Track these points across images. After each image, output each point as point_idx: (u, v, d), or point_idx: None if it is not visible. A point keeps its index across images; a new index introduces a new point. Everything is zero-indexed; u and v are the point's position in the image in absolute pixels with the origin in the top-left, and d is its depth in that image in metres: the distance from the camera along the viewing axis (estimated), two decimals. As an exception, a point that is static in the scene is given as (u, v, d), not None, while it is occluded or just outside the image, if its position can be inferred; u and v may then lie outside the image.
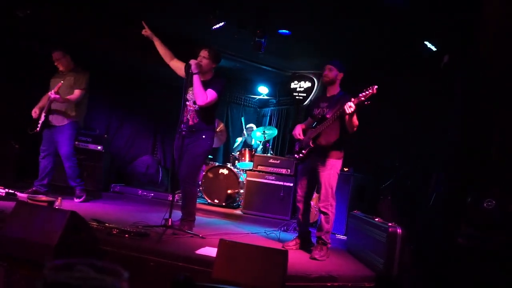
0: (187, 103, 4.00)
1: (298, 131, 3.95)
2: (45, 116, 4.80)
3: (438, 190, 4.32)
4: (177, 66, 4.21)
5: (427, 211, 4.39)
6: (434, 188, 4.45)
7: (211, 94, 3.87)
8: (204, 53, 4.00)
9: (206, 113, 4.00)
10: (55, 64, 4.92)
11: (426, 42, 4.96)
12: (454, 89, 4.45)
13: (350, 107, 3.34)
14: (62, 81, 4.71)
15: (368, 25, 5.10)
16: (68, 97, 4.77)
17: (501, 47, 3.88)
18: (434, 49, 4.95)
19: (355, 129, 3.58)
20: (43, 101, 4.93)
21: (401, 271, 3.25)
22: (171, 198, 3.91)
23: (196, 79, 3.83)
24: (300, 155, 3.89)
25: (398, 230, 3.29)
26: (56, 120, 4.84)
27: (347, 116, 3.46)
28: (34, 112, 4.86)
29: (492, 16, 3.90)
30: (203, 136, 4.00)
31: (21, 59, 6.31)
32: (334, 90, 3.87)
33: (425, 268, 3.69)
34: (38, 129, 4.81)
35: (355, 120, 3.52)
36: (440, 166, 4.49)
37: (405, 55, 5.55)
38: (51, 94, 4.63)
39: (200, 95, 3.82)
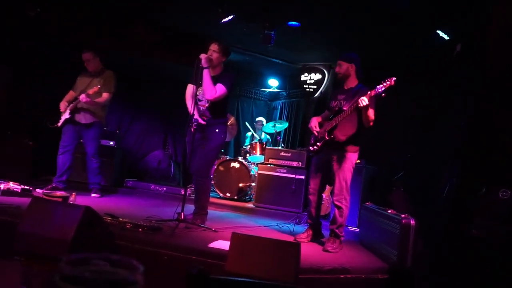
0: (199, 100, 4.01)
1: (314, 124, 3.91)
2: (70, 114, 4.89)
3: (451, 181, 4.28)
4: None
5: (440, 202, 4.35)
6: (447, 179, 4.41)
7: (220, 89, 3.86)
8: (214, 46, 3.97)
9: (217, 107, 4.00)
10: (85, 64, 5.03)
11: (438, 31, 4.90)
12: (466, 76, 4.41)
13: (362, 100, 3.33)
14: (99, 86, 4.80)
15: (371, 22, 5.11)
16: (97, 100, 4.88)
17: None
18: (446, 38, 4.89)
19: (371, 123, 3.56)
20: (70, 96, 5.04)
21: (415, 262, 3.23)
22: (183, 192, 3.93)
23: (205, 73, 3.82)
24: (315, 147, 3.86)
25: (411, 222, 3.27)
26: (84, 118, 4.94)
27: (362, 109, 3.45)
28: (63, 104, 4.95)
29: (495, 17, 3.87)
30: (217, 130, 4.01)
31: (32, 59, 6.37)
32: (351, 83, 3.82)
33: (438, 260, 3.67)
34: (59, 124, 4.90)
35: (370, 114, 3.51)
36: (454, 156, 4.45)
37: (417, 44, 5.50)
38: (83, 97, 4.71)
39: (209, 90, 3.82)
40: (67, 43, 6.11)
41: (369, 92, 3.36)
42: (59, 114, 4.95)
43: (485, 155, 3.85)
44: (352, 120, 3.68)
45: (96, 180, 5.14)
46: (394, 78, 3.26)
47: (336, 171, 3.68)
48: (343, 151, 3.69)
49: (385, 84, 3.30)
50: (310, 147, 3.95)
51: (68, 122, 4.93)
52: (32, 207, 2.70)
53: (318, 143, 3.83)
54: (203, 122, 3.98)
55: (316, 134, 3.89)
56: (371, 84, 3.48)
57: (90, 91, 4.73)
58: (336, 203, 3.67)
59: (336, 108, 3.77)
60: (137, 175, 7.08)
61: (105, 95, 4.96)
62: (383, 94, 3.31)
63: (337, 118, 3.66)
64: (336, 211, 3.69)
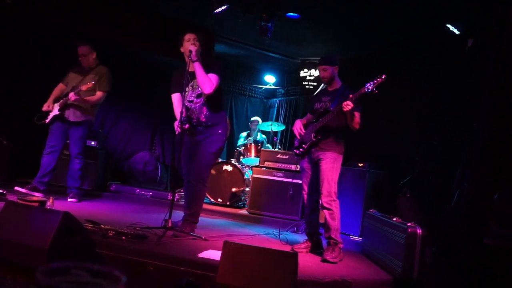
0: (188, 103, 4.00)
1: (299, 126, 4.11)
2: (60, 110, 4.87)
3: (463, 186, 4.30)
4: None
5: (451, 209, 4.37)
6: (458, 184, 4.43)
7: (214, 78, 3.88)
8: (192, 36, 3.94)
9: (215, 101, 4.01)
10: (79, 59, 5.02)
11: (448, 25, 4.93)
12: (482, 74, 4.43)
13: (347, 105, 3.50)
14: (93, 82, 4.77)
15: (378, 12, 5.12)
16: (89, 98, 4.88)
17: None
18: (457, 32, 4.93)
19: (357, 126, 3.74)
20: (56, 93, 5.03)
21: (421, 274, 3.25)
22: (171, 197, 3.92)
23: (198, 66, 3.81)
24: (301, 149, 4.03)
25: (418, 231, 3.29)
26: (73, 115, 4.91)
27: (347, 114, 3.61)
28: (47, 106, 4.93)
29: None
30: (219, 131, 4.02)
31: (10, 48, 6.30)
32: (335, 84, 4.02)
33: (448, 271, 3.68)
34: (47, 120, 4.88)
35: (356, 118, 3.69)
36: (466, 159, 4.48)
37: (426, 36, 5.53)
38: (72, 95, 4.70)
39: (206, 82, 3.81)
40: (49, 30, 6.06)
41: (351, 96, 3.53)
42: (47, 111, 4.93)
43: (500, 158, 3.87)
44: (338, 121, 3.84)
45: (75, 184, 5.10)
46: (384, 76, 3.40)
47: (324, 171, 3.78)
48: (331, 151, 3.83)
49: (375, 81, 3.43)
50: (296, 150, 4.13)
51: (57, 119, 4.91)
52: (5, 212, 2.69)
53: (304, 145, 4.00)
54: (202, 121, 3.98)
55: (301, 136, 4.06)
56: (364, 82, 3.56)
57: (83, 87, 4.71)
58: (326, 205, 3.75)
59: (322, 110, 3.96)
60: (121, 178, 7.05)
61: (99, 94, 4.97)
62: (375, 91, 3.43)
63: (324, 119, 3.83)
64: (327, 214, 3.76)
